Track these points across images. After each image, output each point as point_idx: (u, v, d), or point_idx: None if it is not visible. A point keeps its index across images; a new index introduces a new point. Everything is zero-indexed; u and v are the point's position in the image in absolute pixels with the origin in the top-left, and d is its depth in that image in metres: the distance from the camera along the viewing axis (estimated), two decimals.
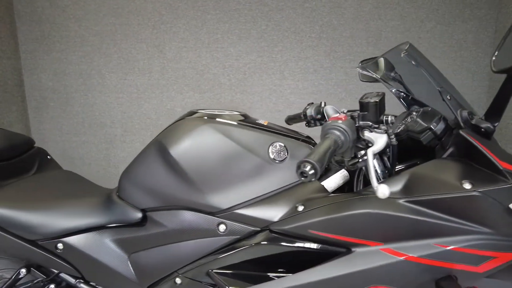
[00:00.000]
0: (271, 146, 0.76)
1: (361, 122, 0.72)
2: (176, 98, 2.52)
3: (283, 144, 0.77)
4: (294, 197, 0.71)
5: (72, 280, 0.85)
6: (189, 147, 0.74)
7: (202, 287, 0.76)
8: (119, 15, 2.44)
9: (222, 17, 2.39)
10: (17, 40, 2.55)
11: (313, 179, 0.56)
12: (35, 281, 0.87)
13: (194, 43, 2.43)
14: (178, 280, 0.76)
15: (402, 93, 0.91)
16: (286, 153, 0.76)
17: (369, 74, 0.96)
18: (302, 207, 0.68)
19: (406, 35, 2.31)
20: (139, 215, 0.79)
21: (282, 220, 0.68)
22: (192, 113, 0.86)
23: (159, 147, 0.77)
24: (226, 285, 0.69)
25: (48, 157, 1.16)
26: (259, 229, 0.70)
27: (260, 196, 0.72)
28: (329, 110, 0.96)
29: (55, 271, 0.86)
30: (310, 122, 1.04)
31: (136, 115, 2.57)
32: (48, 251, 0.83)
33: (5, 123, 2.44)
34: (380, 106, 0.74)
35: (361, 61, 1.17)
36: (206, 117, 0.80)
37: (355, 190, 0.77)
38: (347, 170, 0.82)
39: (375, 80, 1.02)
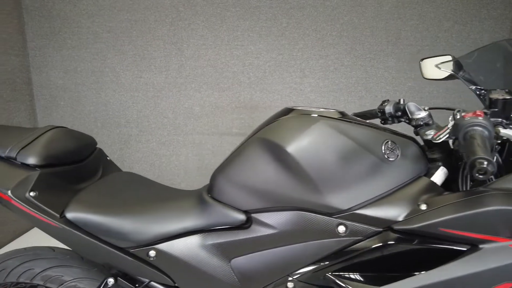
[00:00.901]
0: (384, 144, 0.74)
1: (492, 119, 0.71)
2: (194, 97, 2.47)
3: (395, 142, 0.75)
4: (411, 196, 0.70)
5: None
6: (308, 144, 0.72)
7: None
8: (135, 11, 2.37)
9: (243, 14, 2.36)
10: (25, 36, 2.43)
11: (491, 176, 0.56)
12: None
13: (213, 40, 2.39)
14: (290, 285, 0.73)
15: (483, 91, 0.92)
16: (398, 151, 0.75)
17: (446, 71, 0.96)
18: (425, 206, 0.67)
19: (425, 35, 2.35)
20: (242, 217, 0.75)
21: (407, 219, 0.67)
22: (288, 110, 0.84)
23: (268, 145, 0.74)
24: (349, 287, 0.67)
25: (108, 158, 1.11)
26: (381, 229, 0.69)
27: (378, 195, 0.70)
28: (411, 107, 0.96)
29: (144, 280, 0.82)
30: (388, 119, 1.04)
31: (152, 114, 2.51)
32: (140, 259, 0.78)
33: (14, 123, 2.32)
34: (510, 103, 0.74)
35: (422, 59, 1.17)
36: (316, 115, 0.77)
37: (461, 186, 0.77)
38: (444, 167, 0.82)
39: (447, 78, 1.02)
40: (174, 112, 2.50)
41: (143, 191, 0.94)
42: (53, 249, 0.94)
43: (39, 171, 0.80)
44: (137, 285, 0.85)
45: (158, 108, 2.50)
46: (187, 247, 0.77)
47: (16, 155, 0.79)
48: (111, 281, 0.83)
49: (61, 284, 0.87)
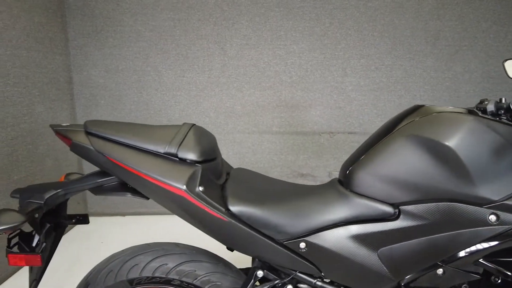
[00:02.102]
0: None
1: None
2: (236, 96, 2.50)
3: None
4: None
5: (310, 279, 0.84)
6: (466, 140, 0.75)
7: (466, 276, 0.78)
8: (179, 10, 2.39)
9: (286, 14, 2.39)
10: (67, 35, 2.43)
11: None
12: (276, 282, 0.85)
13: (256, 40, 2.42)
14: (439, 271, 0.77)
15: None
16: None
17: None
18: None
19: (463, 35, 2.41)
20: (390, 209, 0.79)
21: None
22: (418, 107, 0.87)
23: (422, 141, 0.77)
24: (505, 271, 0.72)
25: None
26: None
27: None
28: None
29: (290, 271, 0.85)
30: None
31: (194, 114, 2.52)
32: (292, 250, 0.81)
33: (58, 121, 2.32)
34: None
35: (505, 60, 1.21)
36: (461, 112, 0.81)
37: None
38: None
39: None
40: (216, 111, 2.52)
41: (276, 185, 0.96)
42: (177, 244, 0.96)
43: (201, 166, 0.82)
44: (283, 277, 0.88)
45: (200, 107, 2.51)
46: (335, 238, 0.80)
47: (177, 151, 0.81)
48: (260, 273, 0.86)
49: (196, 279, 0.89)
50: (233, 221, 0.80)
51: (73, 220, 1.10)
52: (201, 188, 0.79)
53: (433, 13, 2.39)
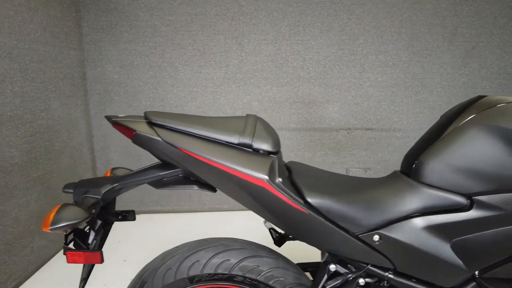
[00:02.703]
0: None
1: None
2: (253, 92, 2.47)
3: None
4: None
5: (382, 272, 0.82)
6: None
7: None
8: (196, 4, 2.35)
9: (304, 9, 2.37)
10: (81, 30, 2.37)
11: None
12: (348, 276, 0.83)
13: (274, 35, 2.39)
14: None
15: None
16: None
17: None
18: None
19: (480, 31, 2.42)
20: (463, 200, 0.78)
21: None
22: (480, 97, 0.86)
23: (498, 131, 0.76)
24: None
25: None
26: None
27: None
28: None
29: (362, 264, 0.83)
30: None
31: (210, 110, 2.49)
32: (366, 243, 0.80)
33: (73, 119, 2.27)
34: None
35: None
36: None
37: None
38: None
39: None
40: (233, 108, 2.49)
41: (340, 178, 0.94)
42: (235, 239, 0.93)
43: (276, 157, 0.80)
44: (353, 270, 0.86)
45: (216, 104, 2.48)
46: (407, 230, 0.79)
47: (252, 141, 0.78)
48: (333, 267, 0.84)
49: (259, 274, 0.87)
50: (312, 213, 0.78)
51: (119, 217, 1.07)
52: (280, 179, 0.77)
53: (451, 9, 2.39)
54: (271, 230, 1.15)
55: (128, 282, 1.76)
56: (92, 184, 0.87)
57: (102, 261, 0.83)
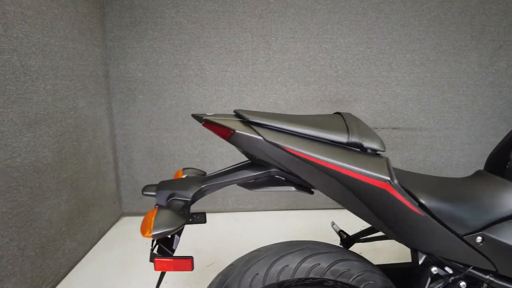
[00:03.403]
0: None
1: None
2: (280, 91, 2.44)
3: None
4: None
5: (483, 275, 0.80)
6: None
7: None
8: (223, 1, 2.31)
9: (333, 7, 2.34)
10: (104, 27, 2.32)
11: None
12: (450, 279, 0.81)
13: (302, 33, 2.36)
14: None
15: None
16: None
17: None
18: None
19: (508, 30, 2.42)
20: None
21: None
22: None
23: None
24: None
25: None
26: None
27: None
28: None
29: (465, 267, 0.81)
30: None
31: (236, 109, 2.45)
32: (470, 245, 0.77)
33: (97, 118, 2.21)
34: None
35: None
36: None
37: None
38: None
39: None
40: (259, 107, 2.46)
41: (433, 178, 0.91)
42: (317, 242, 0.90)
43: (387, 157, 0.77)
44: (454, 273, 0.84)
45: (243, 103, 2.44)
46: (508, 231, 0.77)
47: (362, 141, 0.75)
48: (435, 269, 0.81)
49: (350, 278, 0.84)
50: (427, 215, 0.75)
51: (190, 220, 1.03)
52: (396, 181, 0.74)
53: (479, 7, 2.38)
54: (340, 232, 1.12)
55: (162, 285, 1.72)
56: (179, 186, 0.83)
57: (192, 268, 0.79)
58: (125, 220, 2.53)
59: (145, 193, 0.84)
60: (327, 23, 2.36)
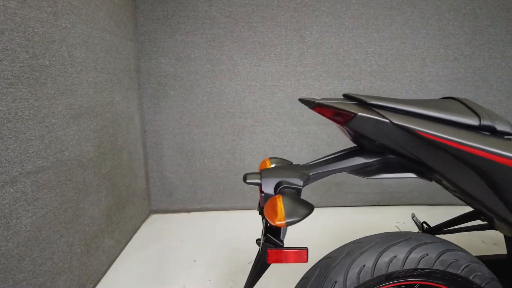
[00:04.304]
0: None
1: None
2: (313, 86, 2.41)
3: None
4: None
5: None
6: None
7: None
8: None
9: (368, 2, 2.31)
10: (136, 20, 2.27)
11: None
12: None
13: (337, 28, 2.33)
14: None
15: None
16: None
17: None
18: None
19: None
20: None
21: None
22: None
23: None
24: None
25: None
26: None
27: None
28: None
29: None
30: None
31: (268, 104, 2.41)
32: None
33: (130, 113, 2.17)
34: None
35: None
36: None
37: None
38: None
39: None
40: (291, 102, 2.42)
41: None
42: (415, 233, 0.87)
43: None
44: None
45: (275, 98, 2.41)
46: None
47: (495, 124, 0.72)
48: None
49: (460, 269, 0.81)
50: None
51: None
52: None
53: None
54: (423, 223, 1.09)
55: (204, 282, 1.67)
56: (286, 174, 0.79)
57: (307, 259, 0.75)
58: (154, 218, 2.48)
59: (248, 181, 0.80)
60: (362, 18, 2.33)
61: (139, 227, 2.33)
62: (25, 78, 1.21)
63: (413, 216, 1.13)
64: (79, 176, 1.56)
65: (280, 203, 0.68)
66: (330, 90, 2.41)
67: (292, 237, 2.09)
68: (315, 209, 2.55)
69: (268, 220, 0.67)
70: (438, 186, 2.57)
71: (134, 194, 2.23)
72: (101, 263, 1.75)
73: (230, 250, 1.99)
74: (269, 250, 0.73)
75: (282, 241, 0.78)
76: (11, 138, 1.14)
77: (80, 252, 1.55)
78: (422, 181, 2.54)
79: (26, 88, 1.21)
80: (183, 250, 2.02)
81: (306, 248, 0.75)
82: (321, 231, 2.19)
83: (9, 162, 1.13)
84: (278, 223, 0.65)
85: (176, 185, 2.51)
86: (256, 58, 2.34)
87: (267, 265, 0.84)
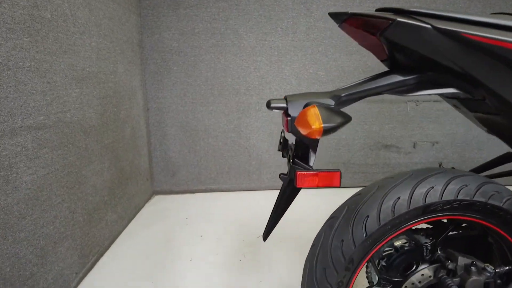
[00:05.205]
0: None
1: None
2: (321, 61, 2.34)
3: None
4: None
5: None
6: None
7: None
8: None
9: None
10: None
11: None
12: None
13: (344, 1, 2.28)
14: None
15: None
16: None
17: None
18: None
19: None
20: None
21: None
22: None
23: None
24: None
25: None
26: None
27: None
28: None
29: None
30: None
31: (274, 81, 2.35)
32: None
33: (132, 87, 2.10)
34: None
35: None
36: None
37: None
38: None
39: None
40: (298, 78, 2.36)
41: None
42: (453, 169, 0.80)
43: None
44: None
45: (281, 74, 2.35)
46: None
47: None
48: None
49: (502, 201, 0.74)
50: None
51: None
52: None
53: None
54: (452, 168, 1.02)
55: (211, 256, 1.60)
56: (314, 96, 0.73)
57: (340, 183, 0.68)
58: (157, 199, 2.40)
59: (273, 105, 0.73)
60: None
61: (143, 206, 2.25)
62: (26, 27, 1.14)
63: (440, 164, 1.07)
64: (82, 142, 1.49)
65: (316, 110, 0.62)
66: (338, 66, 2.35)
67: (294, 217, 2.03)
68: (321, 190, 2.49)
69: (301, 131, 0.61)
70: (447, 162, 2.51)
71: (137, 172, 2.16)
72: (104, 237, 1.67)
73: (238, 226, 1.93)
74: (298, 173, 0.67)
75: (311, 167, 0.71)
76: (11, 87, 1.07)
77: (83, 221, 1.48)
78: (433, 158, 2.49)
79: (26, 38, 1.14)
80: (188, 227, 1.94)
81: (339, 170, 0.68)
82: (327, 212, 2.13)
83: (9, 113, 1.07)
84: (314, 128, 0.59)
85: (180, 165, 2.44)
86: (262, 32, 2.28)
87: (296, 192, 0.77)
